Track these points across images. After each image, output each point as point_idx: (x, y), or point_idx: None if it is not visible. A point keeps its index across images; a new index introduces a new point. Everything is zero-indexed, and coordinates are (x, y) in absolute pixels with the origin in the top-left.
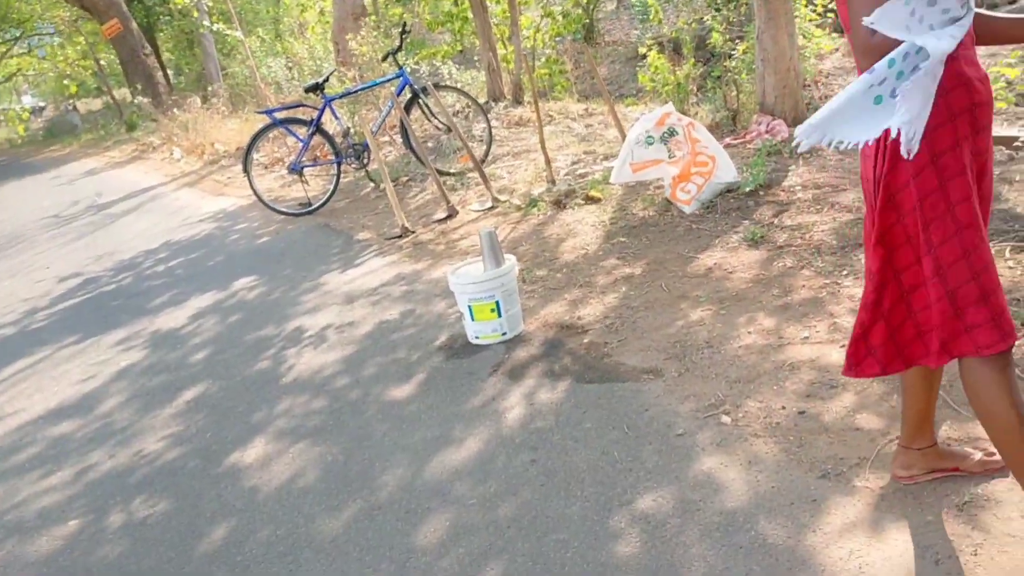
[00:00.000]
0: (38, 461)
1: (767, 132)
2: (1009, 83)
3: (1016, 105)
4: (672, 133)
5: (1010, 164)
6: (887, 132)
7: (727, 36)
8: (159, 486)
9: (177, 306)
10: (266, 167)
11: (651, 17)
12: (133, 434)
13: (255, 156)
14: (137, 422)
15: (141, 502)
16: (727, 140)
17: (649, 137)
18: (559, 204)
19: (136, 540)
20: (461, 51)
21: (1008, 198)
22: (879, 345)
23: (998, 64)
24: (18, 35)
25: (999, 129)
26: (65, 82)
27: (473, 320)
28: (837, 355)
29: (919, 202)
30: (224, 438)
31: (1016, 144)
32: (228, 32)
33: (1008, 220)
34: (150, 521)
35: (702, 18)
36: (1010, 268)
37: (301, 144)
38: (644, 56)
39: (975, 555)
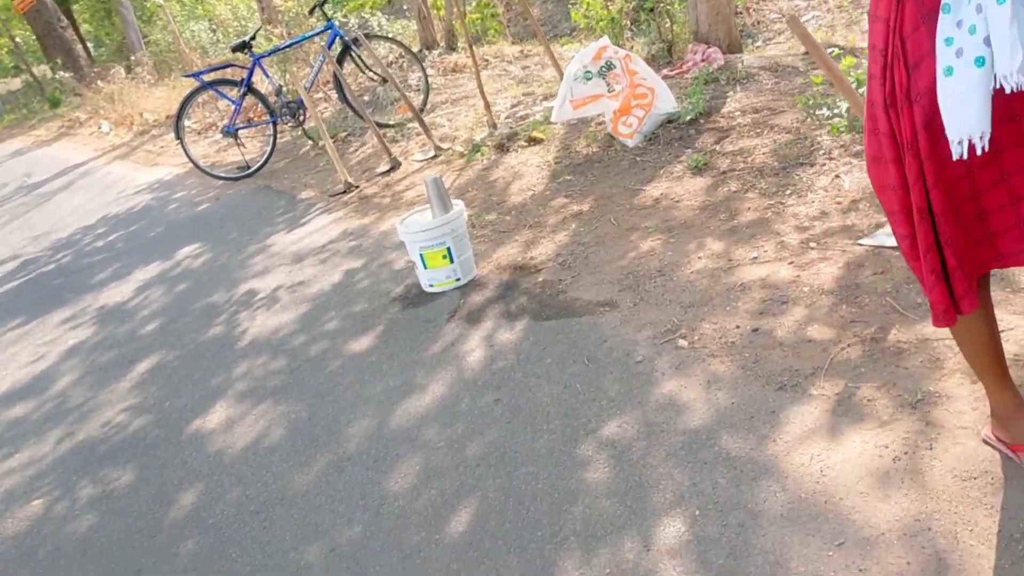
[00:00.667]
0: None
1: (703, 60)
2: None
3: None
4: (610, 67)
5: None
6: (893, 44)
7: None
8: (122, 459)
9: (121, 280)
10: (199, 132)
11: None
12: (90, 410)
13: (187, 122)
14: (93, 398)
15: (105, 476)
16: (664, 71)
17: (587, 72)
18: (502, 148)
19: (104, 513)
20: (389, 1)
21: None
22: (957, 270)
23: None
24: None
25: None
26: None
27: (426, 268)
28: (786, 272)
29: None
30: (184, 406)
31: None
32: None
33: None
34: (116, 494)
35: None
36: None
37: (233, 106)
38: None
39: (930, 449)
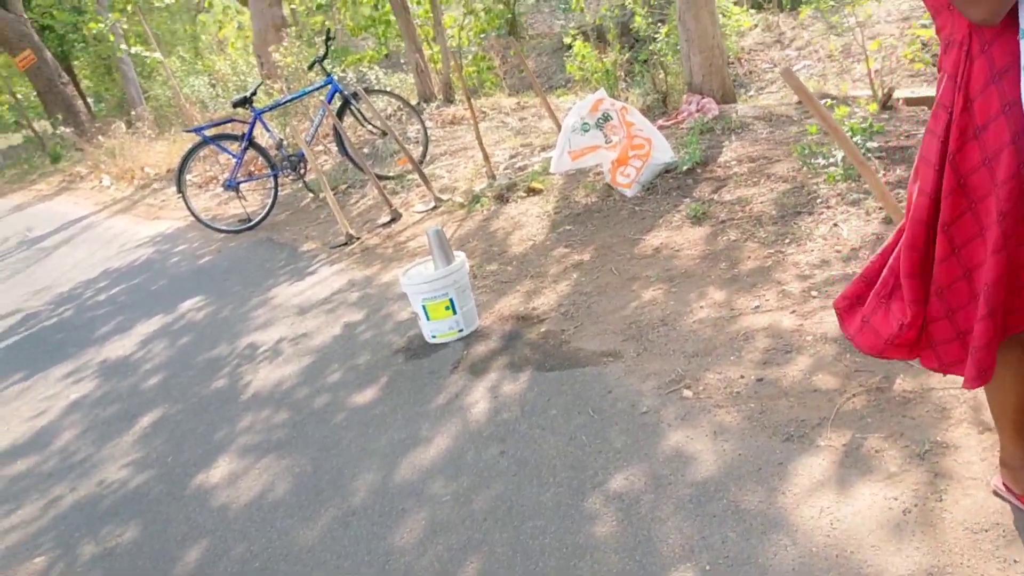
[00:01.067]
0: None
1: (698, 111)
2: (924, 44)
3: (932, 66)
4: (607, 118)
5: None
6: (957, 102)
7: (650, 20)
8: (126, 514)
9: (123, 334)
10: (200, 186)
11: (573, 6)
12: (93, 465)
13: (188, 176)
14: (96, 453)
15: (109, 532)
16: (660, 122)
17: (585, 124)
18: (502, 198)
19: (107, 571)
20: (387, 55)
21: None
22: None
23: (913, 26)
24: None
25: (920, 90)
26: None
27: (429, 320)
28: (788, 321)
29: (995, 187)
30: (187, 460)
31: None
32: (147, 54)
33: None
34: (119, 551)
35: (624, 3)
36: None
37: (234, 160)
38: (570, 46)
39: (940, 501)
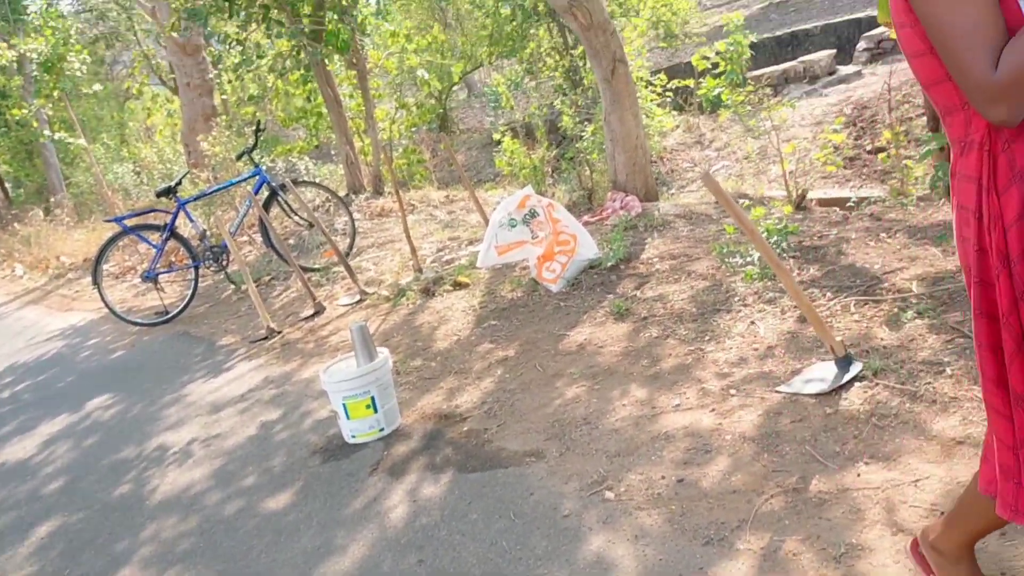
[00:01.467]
0: None
1: (622, 208)
2: (836, 148)
3: (844, 168)
4: (533, 215)
5: (845, 224)
6: (990, 204)
7: (577, 119)
8: None
9: (25, 434)
10: (116, 276)
11: (503, 104)
12: None
13: (105, 267)
14: None
15: None
16: (585, 218)
17: (512, 220)
18: (428, 292)
19: None
20: (317, 146)
21: (848, 254)
22: None
23: (825, 130)
24: None
25: (832, 191)
26: None
27: (348, 419)
28: (708, 420)
29: None
30: (84, 575)
31: (848, 204)
32: (71, 140)
33: (851, 276)
34: None
35: (552, 103)
36: (856, 321)
37: (155, 250)
38: (499, 142)
39: None
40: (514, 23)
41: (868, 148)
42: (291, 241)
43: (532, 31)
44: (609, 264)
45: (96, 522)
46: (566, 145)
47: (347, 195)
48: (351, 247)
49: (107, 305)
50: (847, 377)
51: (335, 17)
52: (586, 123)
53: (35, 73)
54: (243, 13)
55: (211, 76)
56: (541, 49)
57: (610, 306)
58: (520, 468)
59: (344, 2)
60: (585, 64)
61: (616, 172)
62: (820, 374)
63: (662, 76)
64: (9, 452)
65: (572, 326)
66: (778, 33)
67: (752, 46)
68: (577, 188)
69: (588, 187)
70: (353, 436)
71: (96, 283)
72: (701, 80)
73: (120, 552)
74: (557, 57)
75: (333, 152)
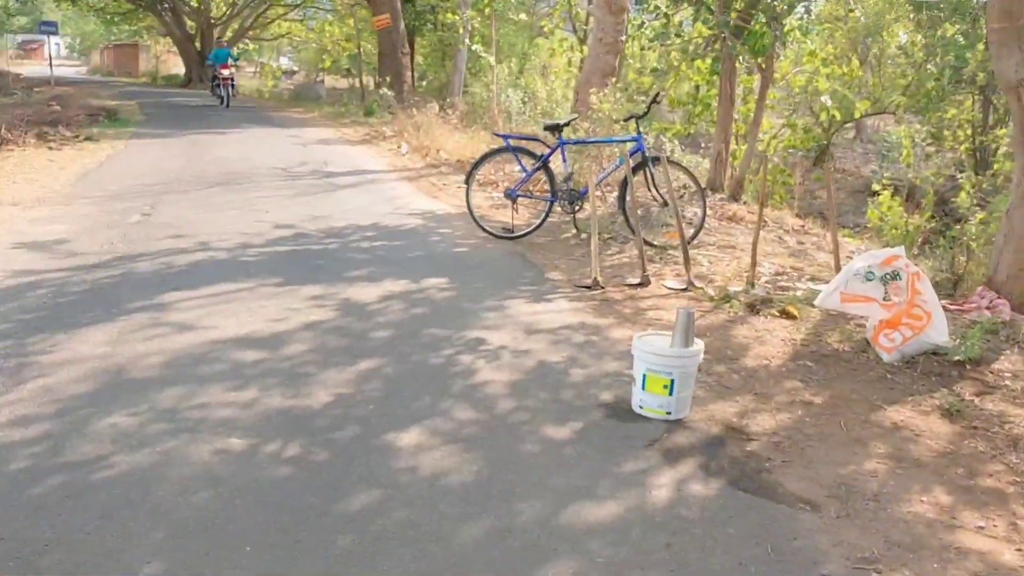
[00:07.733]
0: (219, 377)
1: (988, 308)
2: None
3: None
4: (895, 276)
5: None
6: None
7: (973, 200)
8: (319, 438)
9: (371, 283)
10: (480, 184)
11: (902, 157)
12: (307, 383)
13: (477, 173)
14: (315, 374)
15: (299, 446)
16: (945, 303)
17: (870, 272)
18: (753, 308)
19: (285, 479)
20: (689, 134)
21: None
22: None
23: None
24: (299, 3)
25: None
26: (324, 56)
27: (643, 390)
28: (1010, 557)
29: None
30: (385, 415)
31: None
32: (483, 55)
33: None
34: (302, 465)
35: (955, 175)
36: None
37: (524, 174)
38: (876, 193)
39: None
40: (938, 82)
41: None
42: (639, 212)
43: (954, 96)
44: (956, 358)
45: (405, 378)
46: (949, 221)
47: (705, 189)
48: (694, 237)
49: (468, 206)
50: None
51: (763, 20)
52: (978, 208)
53: None
54: None
55: (623, 38)
56: (960, 118)
57: (941, 400)
58: (792, 510)
59: (778, 8)
60: (997, 149)
61: (997, 270)
62: None
63: None
64: (355, 291)
65: (892, 402)
66: None
67: None
68: (946, 270)
69: (958, 273)
70: (641, 407)
71: (467, 183)
72: None
73: (416, 411)
74: (969, 131)
75: (702, 144)
